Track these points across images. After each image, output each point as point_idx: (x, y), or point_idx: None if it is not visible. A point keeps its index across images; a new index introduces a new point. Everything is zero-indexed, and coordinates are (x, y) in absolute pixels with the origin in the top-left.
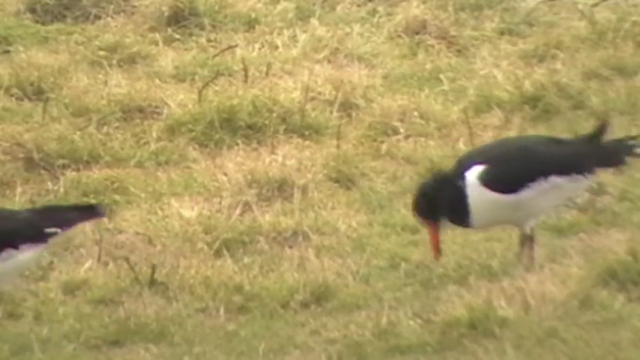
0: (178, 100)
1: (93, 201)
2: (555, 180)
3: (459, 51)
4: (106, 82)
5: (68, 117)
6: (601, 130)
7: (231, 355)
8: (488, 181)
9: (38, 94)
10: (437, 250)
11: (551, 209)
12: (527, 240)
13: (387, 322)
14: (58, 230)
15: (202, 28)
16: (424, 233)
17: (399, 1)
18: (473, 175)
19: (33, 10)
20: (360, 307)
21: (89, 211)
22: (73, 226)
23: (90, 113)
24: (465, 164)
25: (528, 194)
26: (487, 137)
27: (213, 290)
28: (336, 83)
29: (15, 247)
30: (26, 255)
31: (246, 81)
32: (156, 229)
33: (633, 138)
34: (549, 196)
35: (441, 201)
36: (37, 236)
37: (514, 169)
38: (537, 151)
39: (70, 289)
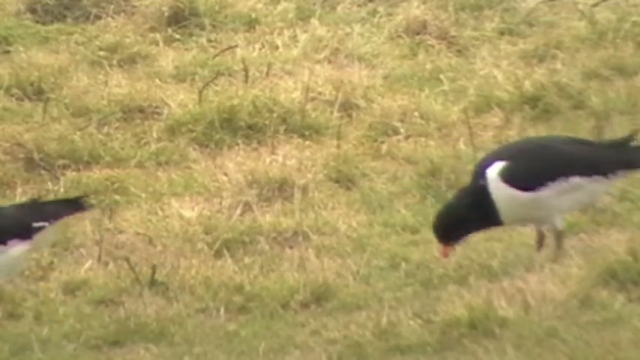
0: (179, 101)
1: (93, 201)
2: (576, 180)
3: (459, 51)
4: (106, 82)
5: (68, 117)
6: (631, 137)
7: (231, 355)
8: (509, 177)
9: (38, 94)
10: (446, 255)
11: (572, 209)
12: (556, 236)
13: (387, 322)
14: (46, 224)
15: (202, 28)
16: (424, 233)
17: (400, 2)
18: (494, 171)
19: (33, 10)
20: (360, 307)
21: (74, 205)
22: (59, 219)
23: (90, 113)
24: (486, 162)
25: (547, 193)
26: (487, 137)
27: (213, 290)
28: (336, 83)
29: (3, 242)
30: (15, 250)
31: (246, 81)
32: (156, 230)
33: None
34: (570, 196)
35: (468, 219)
36: (25, 231)
37: (535, 166)
38: (560, 150)
39: (71, 289)
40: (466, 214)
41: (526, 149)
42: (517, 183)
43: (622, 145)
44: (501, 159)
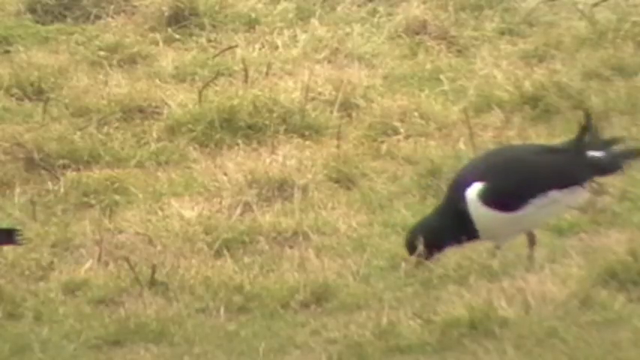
0: (178, 101)
1: (93, 201)
2: (554, 194)
3: (459, 51)
4: (106, 82)
5: (68, 117)
6: (582, 133)
7: (231, 355)
8: (489, 200)
9: (38, 94)
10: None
11: (552, 218)
12: (530, 239)
13: (387, 322)
14: None
15: (202, 28)
16: None
17: (400, 2)
18: (473, 193)
19: (33, 11)
20: (360, 307)
21: (5, 236)
22: None
23: (90, 113)
24: (464, 181)
25: (528, 210)
26: (487, 137)
27: (213, 290)
28: (336, 83)
29: None
30: None
31: (246, 81)
32: (156, 230)
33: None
34: (548, 209)
35: (445, 238)
36: None
37: (514, 186)
38: (535, 164)
39: (71, 289)
40: (444, 234)
41: (502, 166)
42: (498, 205)
43: (583, 146)
44: (479, 179)
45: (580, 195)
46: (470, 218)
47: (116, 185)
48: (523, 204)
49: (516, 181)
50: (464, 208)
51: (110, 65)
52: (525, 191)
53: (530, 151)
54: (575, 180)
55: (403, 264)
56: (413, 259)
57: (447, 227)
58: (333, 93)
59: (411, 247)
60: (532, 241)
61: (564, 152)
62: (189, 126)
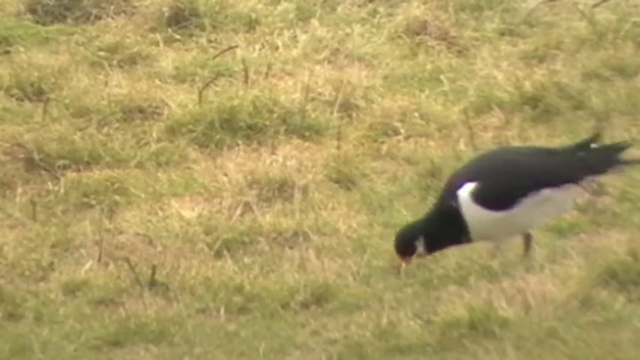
0: (179, 101)
1: (93, 202)
2: (547, 193)
3: (459, 52)
4: (106, 83)
5: (68, 117)
6: (594, 138)
7: (231, 356)
8: (481, 199)
9: (38, 94)
10: (400, 271)
11: (546, 219)
12: (525, 239)
13: (387, 322)
14: None
15: (203, 29)
16: None
17: (400, 2)
18: (465, 192)
19: (33, 11)
20: (360, 308)
21: None
22: None
23: (90, 114)
24: (456, 182)
25: (520, 210)
26: (487, 137)
27: (213, 291)
28: (336, 84)
29: None
30: None
31: (246, 82)
32: (156, 230)
33: (622, 143)
34: (542, 208)
35: (437, 238)
36: None
37: (505, 185)
38: (527, 164)
39: (71, 289)
40: (436, 235)
41: (494, 167)
42: (489, 204)
43: (586, 149)
44: (471, 179)
45: (574, 194)
46: (463, 218)
47: (116, 186)
48: (515, 202)
49: (507, 179)
50: (457, 208)
51: (110, 65)
52: (516, 189)
53: (523, 153)
54: (568, 178)
55: (403, 265)
56: (401, 262)
57: (440, 229)
58: (333, 93)
59: (402, 250)
60: (528, 244)
61: (558, 152)
62: (190, 126)
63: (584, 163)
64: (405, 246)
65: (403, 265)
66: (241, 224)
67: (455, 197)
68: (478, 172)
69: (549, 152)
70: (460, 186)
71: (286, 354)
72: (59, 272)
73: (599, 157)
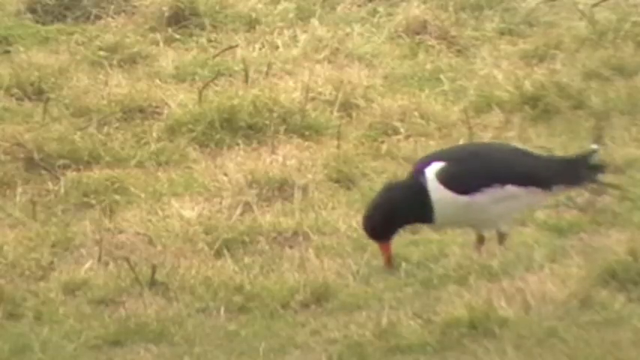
0: (179, 101)
1: (93, 201)
2: (511, 189)
3: (459, 51)
4: (106, 83)
5: (68, 117)
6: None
7: (231, 355)
8: (444, 179)
9: (38, 94)
10: (390, 264)
11: (509, 217)
12: (499, 237)
13: (387, 322)
14: None
15: (203, 29)
16: (425, 233)
17: (400, 2)
18: (431, 171)
19: (33, 11)
20: (360, 307)
21: None
22: None
23: (90, 113)
24: (425, 161)
25: (482, 198)
26: (487, 137)
27: (213, 290)
28: (336, 83)
29: None
30: None
31: (246, 81)
32: (156, 230)
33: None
34: (506, 204)
35: (400, 213)
36: None
37: (470, 170)
38: (498, 157)
39: (71, 289)
40: (399, 209)
41: (466, 153)
42: (452, 185)
43: (569, 161)
44: (440, 160)
45: (540, 198)
46: (428, 196)
47: (116, 185)
48: (477, 189)
49: (474, 166)
50: (423, 183)
51: (110, 65)
52: (481, 177)
53: (499, 149)
54: (536, 182)
55: (403, 264)
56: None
57: (407, 205)
58: (333, 93)
59: (370, 228)
60: (480, 240)
61: (538, 157)
62: (190, 126)
63: (559, 172)
64: (380, 229)
65: (388, 254)
66: (241, 224)
67: (423, 174)
68: (448, 155)
69: (527, 154)
70: (429, 164)
71: (286, 354)
72: (59, 272)
73: (576, 171)
